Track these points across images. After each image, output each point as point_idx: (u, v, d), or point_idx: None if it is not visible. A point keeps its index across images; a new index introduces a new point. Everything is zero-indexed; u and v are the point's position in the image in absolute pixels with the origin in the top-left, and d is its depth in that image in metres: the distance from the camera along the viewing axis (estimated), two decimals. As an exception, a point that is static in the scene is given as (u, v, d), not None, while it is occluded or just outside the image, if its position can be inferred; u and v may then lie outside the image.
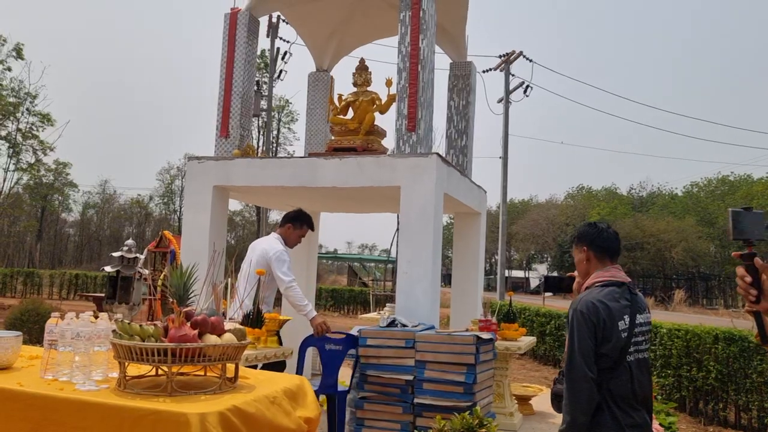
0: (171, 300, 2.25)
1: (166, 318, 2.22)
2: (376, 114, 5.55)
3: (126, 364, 2.14)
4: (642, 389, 2.46)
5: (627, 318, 2.46)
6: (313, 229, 5.05)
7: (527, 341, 5.58)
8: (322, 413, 4.25)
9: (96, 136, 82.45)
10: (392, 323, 4.39)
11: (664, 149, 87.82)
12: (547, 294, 19.14)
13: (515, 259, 56.74)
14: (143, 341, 2.10)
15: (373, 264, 39.61)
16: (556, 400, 2.61)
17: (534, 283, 51.95)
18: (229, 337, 2.25)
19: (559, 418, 2.47)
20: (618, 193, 53.27)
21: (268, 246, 4.67)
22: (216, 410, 1.92)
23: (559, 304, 23.66)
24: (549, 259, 49.32)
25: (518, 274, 56.53)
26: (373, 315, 7.35)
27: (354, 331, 4.33)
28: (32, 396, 2.03)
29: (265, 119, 23.98)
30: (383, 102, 5.52)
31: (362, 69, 5.74)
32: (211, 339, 2.19)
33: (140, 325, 2.15)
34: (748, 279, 1.40)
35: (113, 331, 2.20)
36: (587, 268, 2.67)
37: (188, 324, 2.18)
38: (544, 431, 5.49)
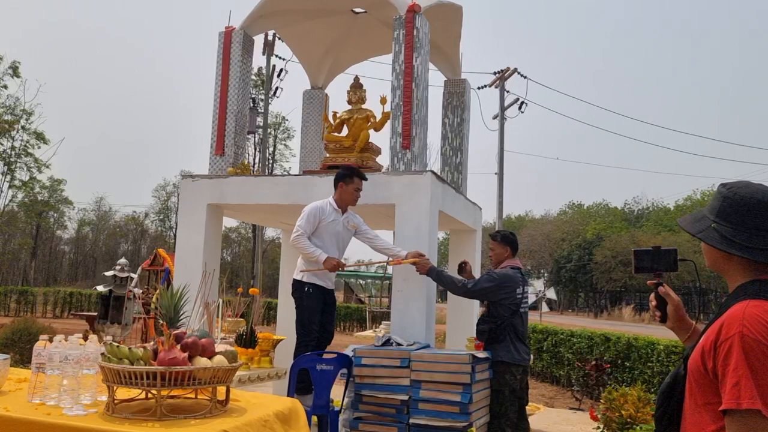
0: (161, 322, 2.23)
1: (155, 340, 2.19)
2: (371, 131, 5.55)
3: (115, 387, 2.11)
4: (525, 329, 4.54)
5: (520, 288, 4.46)
6: (365, 178, 4.73)
7: (524, 359, 5.54)
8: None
9: (91, 152, 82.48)
10: (387, 342, 4.35)
11: (660, 164, 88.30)
12: (545, 310, 19.14)
13: (512, 275, 56.50)
14: (132, 364, 2.07)
15: (369, 280, 39.50)
16: (481, 335, 4.41)
17: (531, 299, 51.79)
18: (219, 360, 2.22)
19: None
20: (612, 208, 53.39)
21: None
22: (205, 435, 1.89)
23: (557, 320, 23.56)
24: (546, 274, 49.29)
25: (515, 290, 56.31)
26: (368, 333, 7.30)
27: (348, 351, 4.29)
28: (18, 421, 1.99)
29: (261, 136, 24.03)
30: (378, 119, 5.52)
31: (357, 87, 5.74)
32: (202, 362, 2.16)
33: (129, 348, 2.12)
34: (654, 303, 1.83)
35: (102, 354, 2.17)
36: (503, 258, 4.60)
37: (178, 346, 2.15)
38: (541, 450, 5.44)
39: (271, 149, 33.62)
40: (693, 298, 40.86)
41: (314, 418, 4.31)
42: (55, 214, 42.48)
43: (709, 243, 1.60)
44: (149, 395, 2.20)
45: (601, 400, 5.41)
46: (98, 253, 49.98)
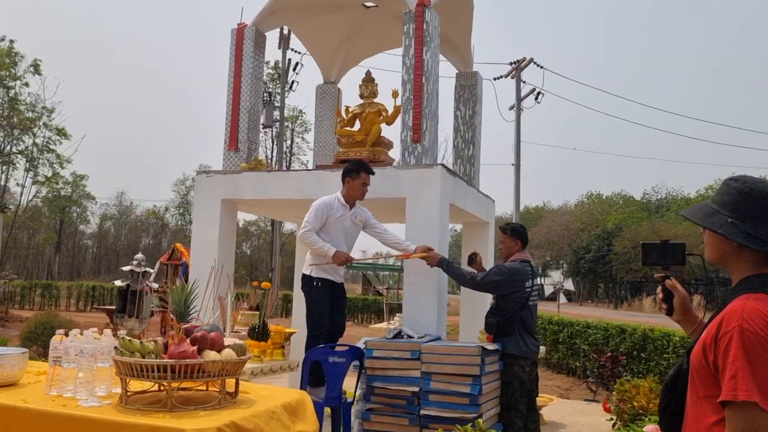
0: (171, 317, 2.30)
1: (167, 334, 2.26)
2: (383, 125, 5.58)
3: (128, 380, 2.18)
4: (534, 322, 4.59)
5: (529, 282, 4.50)
6: (372, 173, 4.72)
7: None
8: (328, 426, 4.28)
9: (112, 148, 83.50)
10: (398, 335, 4.40)
11: (679, 153, 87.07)
12: (563, 302, 19.10)
13: (530, 266, 56.26)
14: (144, 358, 2.14)
15: (387, 272, 39.56)
16: (489, 328, 4.48)
17: (548, 290, 51.50)
18: (228, 353, 2.28)
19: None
20: (631, 198, 52.79)
21: None
22: (213, 426, 1.96)
23: (575, 311, 23.46)
24: (564, 265, 48.99)
25: (533, 281, 56.06)
26: (383, 325, 7.35)
27: (360, 344, 4.35)
28: (35, 413, 2.07)
29: (279, 130, 24.15)
30: (390, 113, 5.54)
31: (368, 81, 5.77)
32: (211, 355, 2.23)
33: (141, 342, 2.19)
34: (661, 296, 1.87)
35: (115, 347, 2.25)
36: (513, 252, 4.67)
37: (187, 340, 2.22)
38: (554, 441, 5.47)
39: (289, 143, 33.77)
40: (715, 288, 40.36)
41: (327, 410, 4.38)
42: (78, 209, 43.16)
43: (732, 239, 1.60)
44: (161, 387, 2.28)
45: (614, 392, 5.42)
46: (120, 246, 50.70)
